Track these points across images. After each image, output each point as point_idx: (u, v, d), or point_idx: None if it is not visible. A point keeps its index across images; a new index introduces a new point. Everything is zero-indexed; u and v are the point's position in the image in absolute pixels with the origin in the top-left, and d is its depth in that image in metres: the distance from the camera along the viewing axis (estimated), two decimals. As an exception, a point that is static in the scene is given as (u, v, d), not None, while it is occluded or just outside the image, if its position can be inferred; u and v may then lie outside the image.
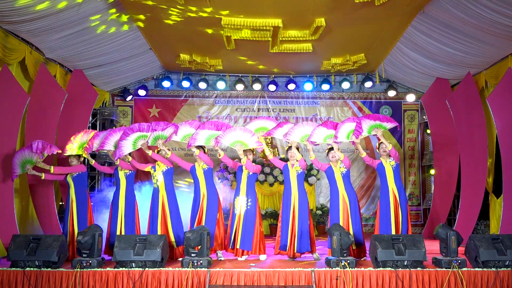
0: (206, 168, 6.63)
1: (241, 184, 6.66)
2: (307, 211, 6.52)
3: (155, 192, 6.59)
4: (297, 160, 6.60)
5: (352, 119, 6.55)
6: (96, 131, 7.47)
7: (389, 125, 6.51)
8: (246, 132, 6.47)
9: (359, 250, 6.34)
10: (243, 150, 6.52)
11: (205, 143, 6.56)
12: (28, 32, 7.18)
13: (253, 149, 6.70)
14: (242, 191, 6.64)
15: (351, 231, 6.27)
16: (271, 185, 10.60)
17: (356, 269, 5.23)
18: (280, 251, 6.48)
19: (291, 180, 6.60)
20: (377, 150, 6.77)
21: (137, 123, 6.68)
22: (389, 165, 6.50)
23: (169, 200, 6.54)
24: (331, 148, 6.55)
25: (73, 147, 6.84)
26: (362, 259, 6.30)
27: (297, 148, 6.69)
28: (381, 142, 6.53)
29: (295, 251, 6.33)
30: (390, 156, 6.54)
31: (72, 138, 6.96)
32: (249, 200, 6.58)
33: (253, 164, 6.66)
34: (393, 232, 6.24)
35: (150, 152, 6.45)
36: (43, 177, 6.73)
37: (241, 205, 6.57)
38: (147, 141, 6.49)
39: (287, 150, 6.75)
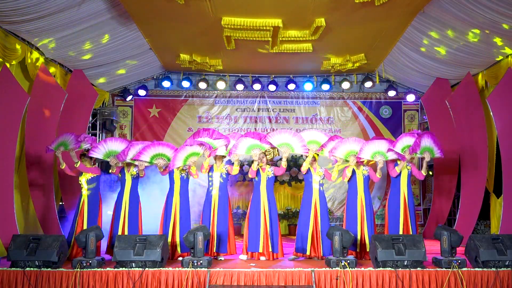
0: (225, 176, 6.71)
1: (261, 187, 6.65)
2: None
3: (170, 195, 6.63)
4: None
5: (411, 134, 6.65)
6: (131, 140, 7.48)
7: (438, 153, 6.59)
8: (296, 137, 6.55)
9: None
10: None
11: (246, 153, 6.59)
12: (28, 32, 7.18)
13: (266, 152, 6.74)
14: (263, 194, 6.62)
15: (365, 233, 6.39)
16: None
17: (356, 269, 5.24)
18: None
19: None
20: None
21: (195, 137, 6.61)
22: (405, 170, 6.65)
23: (181, 204, 6.56)
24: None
25: (102, 151, 6.70)
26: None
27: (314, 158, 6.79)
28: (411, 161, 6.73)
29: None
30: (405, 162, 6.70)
31: (103, 143, 6.77)
32: (270, 202, 6.59)
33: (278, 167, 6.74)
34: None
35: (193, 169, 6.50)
36: (63, 167, 6.67)
37: (264, 208, 6.53)
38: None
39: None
